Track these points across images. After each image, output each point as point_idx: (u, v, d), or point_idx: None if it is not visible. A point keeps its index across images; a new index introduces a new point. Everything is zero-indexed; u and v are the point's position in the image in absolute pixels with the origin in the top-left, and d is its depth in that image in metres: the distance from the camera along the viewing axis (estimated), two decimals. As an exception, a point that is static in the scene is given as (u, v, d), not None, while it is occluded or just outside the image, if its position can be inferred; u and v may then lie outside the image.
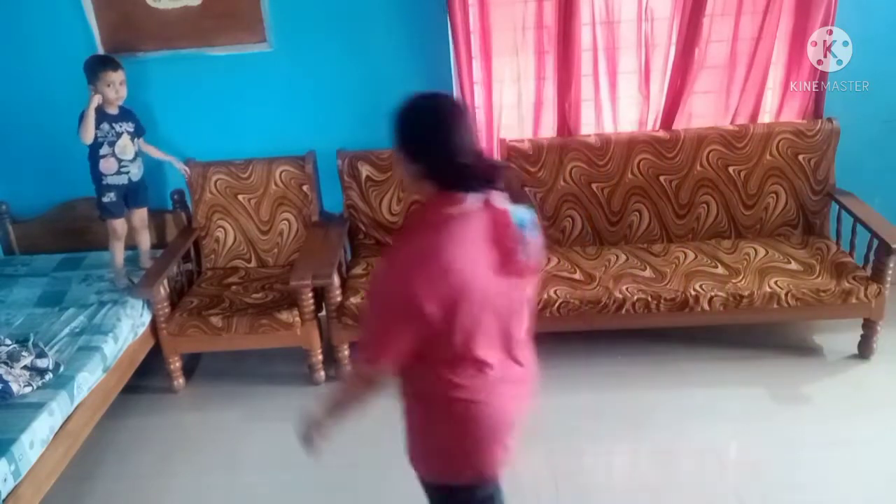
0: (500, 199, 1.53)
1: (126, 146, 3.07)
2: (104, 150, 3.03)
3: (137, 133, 3.13)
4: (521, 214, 1.53)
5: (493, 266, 1.50)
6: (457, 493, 1.68)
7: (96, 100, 2.95)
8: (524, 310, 1.62)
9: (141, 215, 3.23)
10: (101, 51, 3.20)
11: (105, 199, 3.09)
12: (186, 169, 3.31)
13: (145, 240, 3.29)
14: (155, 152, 3.24)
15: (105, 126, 3.02)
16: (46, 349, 2.66)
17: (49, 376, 2.53)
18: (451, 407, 1.57)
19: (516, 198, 1.58)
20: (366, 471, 2.65)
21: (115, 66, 3.00)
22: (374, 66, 3.24)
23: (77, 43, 3.18)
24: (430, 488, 1.71)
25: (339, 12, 3.15)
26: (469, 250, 1.47)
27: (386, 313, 1.51)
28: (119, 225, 3.15)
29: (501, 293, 1.53)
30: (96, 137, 3.01)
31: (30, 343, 2.66)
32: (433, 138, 1.49)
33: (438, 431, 1.62)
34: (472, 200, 1.49)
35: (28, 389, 2.46)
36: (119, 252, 3.18)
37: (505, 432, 1.63)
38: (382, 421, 2.91)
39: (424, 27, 3.15)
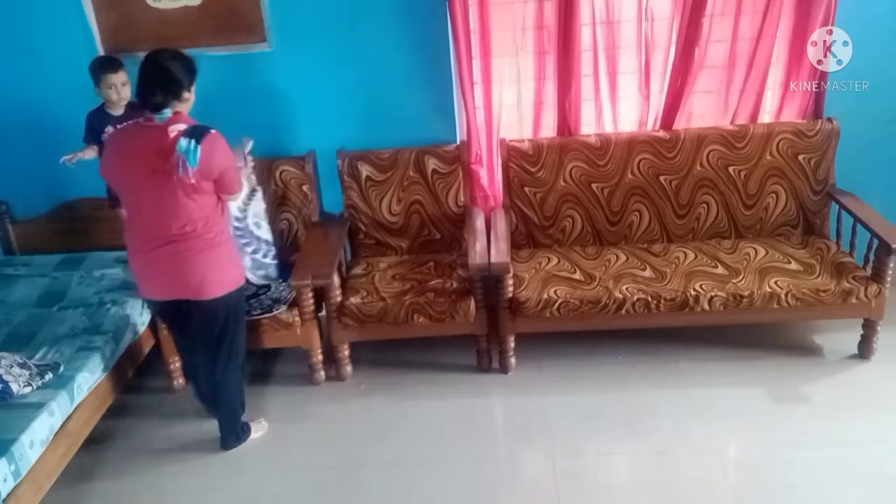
0: (177, 128, 2.30)
1: None
2: None
3: None
4: (184, 144, 2.26)
5: (151, 169, 2.31)
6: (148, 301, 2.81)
7: (89, 153, 3.05)
8: (171, 207, 2.36)
9: None
10: (101, 51, 3.20)
11: (113, 191, 3.13)
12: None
13: None
14: None
15: (109, 129, 3.04)
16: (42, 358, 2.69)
17: (49, 376, 2.53)
18: None
19: (196, 135, 2.29)
20: (366, 471, 2.65)
21: (115, 67, 2.99)
22: (374, 66, 3.24)
23: (77, 43, 3.18)
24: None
25: (339, 12, 3.15)
26: (127, 146, 2.40)
27: None
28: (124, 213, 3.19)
29: (152, 187, 2.34)
30: (102, 141, 3.05)
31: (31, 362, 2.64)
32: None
33: None
34: (154, 120, 2.34)
35: (28, 389, 2.46)
36: None
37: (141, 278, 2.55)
38: (382, 421, 2.93)
39: (424, 27, 3.15)
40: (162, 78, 2.33)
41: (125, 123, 2.50)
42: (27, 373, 2.50)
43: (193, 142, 2.27)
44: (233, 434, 2.80)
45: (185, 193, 2.35)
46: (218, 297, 2.51)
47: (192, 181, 2.31)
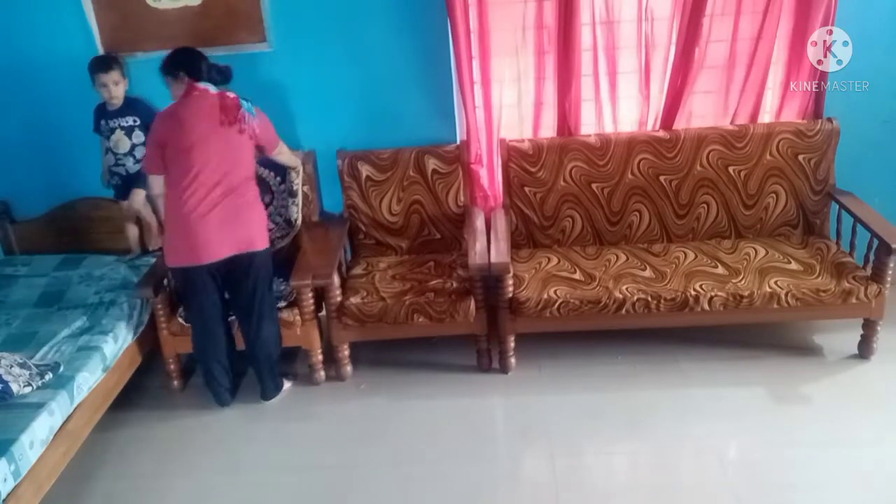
0: (233, 94, 2.72)
1: (119, 141, 3.16)
2: (105, 144, 3.18)
3: (146, 122, 3.16)
4: (245, 104, 2.71)
5: (219, 121, 2.66)
6: (176, 270, 2.84)
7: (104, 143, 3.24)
8: (236, 152, 2.71)
9: (139, 195, 3.24)
10: (101, 51, 3.20)
11: (113, 182, 3.27)
12: None
13: (150, 215, 3.33)
14: None
15: (102, 123, 3.16)
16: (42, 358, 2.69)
17: (49, 376, 2.53)
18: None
19: (250, 101, 2.76)
20: (366, 470, 2.65)
21: (107, 67, 3.06)
22: (375, 66, 3.24)
23: (77, 43, 3.19)
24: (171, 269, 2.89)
25: (339, 12, 3.15)
26: (192, 110, 2.67)
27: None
28: (125, 205, 3.28)
29: (221, 136, 2.67)
30: (101, 132, 3.20)
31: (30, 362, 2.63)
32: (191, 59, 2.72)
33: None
34: (208, 89, 2.70)
35: (28, 389, 2.46)
36: (131, 229, 3.36)
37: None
38: (382, 421, 2.93)
39: (424, 27, 3.15)
40: (224, 69, 2.77)
41: (181, 99, 2.71)
42: (27, 373, 2.50)
43: (250, 103, 2.74)
44: (273, 384, 3.04)
45: (247, 142, 2.72)
46: (264, 249, 2.83)
47: (252, 131, 2.72)
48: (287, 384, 3.12)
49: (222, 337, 2.93)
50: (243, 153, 2.74)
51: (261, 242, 2.81)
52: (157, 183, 2.78)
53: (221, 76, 2.75)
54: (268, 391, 3.04)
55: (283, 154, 3.01)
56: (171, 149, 2.68)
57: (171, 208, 2.74)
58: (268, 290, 2.90)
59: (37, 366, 2.57)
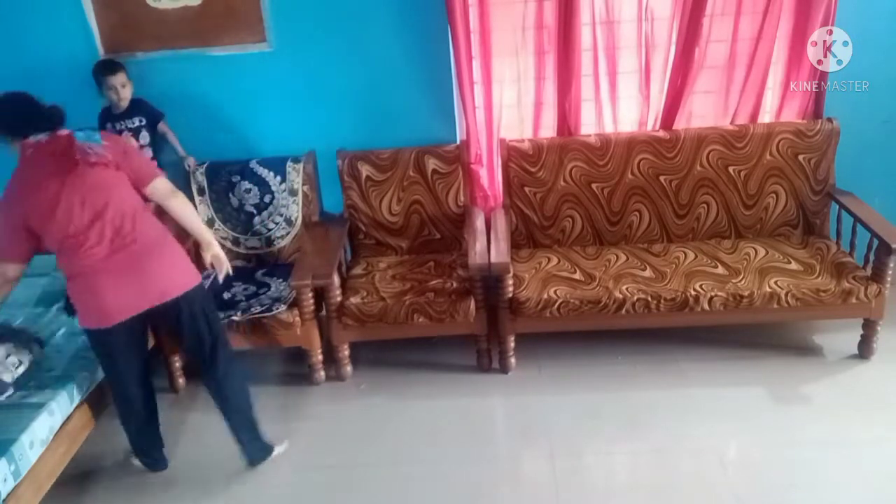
0: (61, 133, 2.32)
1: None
2: None
3: (152, 122, 3.16)
4: (84, 135, 2.34)
5: (62, 170, 2.26)
6: (89, 332, 2.44)
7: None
8: (110, 192, 2.31)
9: None
10: (100, 51, 3.20)
11: None
12: (191, 163, 3.32)
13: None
14: (172, 138, 3.27)
15: (109, 126, 3.14)
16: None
17: (36, 348, 2.59)
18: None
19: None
20: (366, 470, 2.65)
21: (112, 69, 3.06)
22: (375, 67, 3.24)
23: (77, 44, 3.19)
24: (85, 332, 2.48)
25: (340, 12, 3.15)
26: (33, 179, 2.26)
27: None
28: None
29: (77, 186, 2.26)
30: None
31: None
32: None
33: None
34: (38, 140, 2.29)
35: (22, 369, 2.50)
36: None
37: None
38: (382, 421, 2.93)
39: (424, 27, 3.15)
40: (53, 111, 2.34)
41: (19, 166, 2.31)
42: (9, 354, 2.52)
43: (94, 132, 2.38)
44: (257, 445, 2.63)
45: (109, 173, 2.31)
46: (191, 288, 2.44)
47: (109, 156, 2.32)
48: (279, 448, 2.71)
49: (142, 409, 2.63)
50: (112, 189, 2.32)
51: (181, 284, 2.42)
52: (11, 269, 2.33)
53: (50, 122, 2.31)
54: (252, 453, 2.63)
55: (158, 191, 2.46)
56: (36, 221, 2.27)
57: (68, 269, 2.35)
58: (218, 331, 2.55)
59: (15, 332, 2.60)
